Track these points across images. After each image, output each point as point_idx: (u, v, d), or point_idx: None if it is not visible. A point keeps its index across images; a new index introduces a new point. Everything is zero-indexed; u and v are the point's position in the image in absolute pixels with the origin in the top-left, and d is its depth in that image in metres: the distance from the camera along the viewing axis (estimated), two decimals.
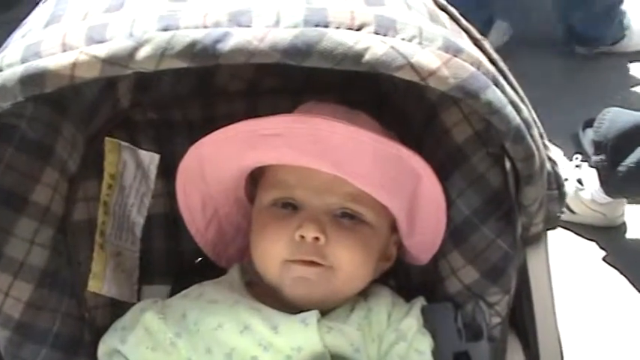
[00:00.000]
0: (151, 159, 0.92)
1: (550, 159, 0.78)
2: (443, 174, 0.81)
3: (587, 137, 1.73)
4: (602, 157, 1.59)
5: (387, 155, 0.79)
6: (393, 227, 0.86)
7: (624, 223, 1.74)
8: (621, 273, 1.63)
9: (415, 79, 0.65)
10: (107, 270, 0.86)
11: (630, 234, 1.73)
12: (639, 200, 1.64)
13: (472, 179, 0.80)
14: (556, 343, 0.82)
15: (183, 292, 0.85)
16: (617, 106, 1.65)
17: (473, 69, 0.67)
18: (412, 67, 0.64)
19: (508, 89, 0.71)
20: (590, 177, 1.67)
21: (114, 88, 0.88)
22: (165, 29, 0.63)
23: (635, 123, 1.57)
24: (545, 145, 0.77)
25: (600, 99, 1.99)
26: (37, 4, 0.75)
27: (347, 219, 0.82)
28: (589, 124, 1.75)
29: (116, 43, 0.63)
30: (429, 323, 0.81)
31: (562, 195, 0.80)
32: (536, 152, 0.73)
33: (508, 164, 0.78)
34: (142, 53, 0.62)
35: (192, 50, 0.62)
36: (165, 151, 0.93)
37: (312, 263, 0.80)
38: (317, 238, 0.79)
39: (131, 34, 0.63)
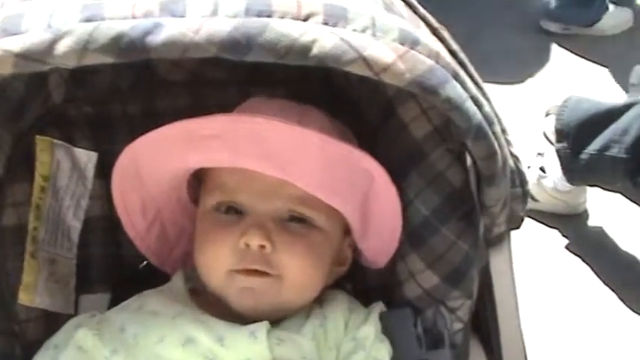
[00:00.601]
0: (88, 158, 0.86)
1: (513, 155, 0.75)
2: (400, 172, 0.77)
3: (550, 125, 1.72)
4: (565, 144, 1.59)
5: (336, 156, 0.74)
6: (347, 230, 0.82)
7: (586, 211, 1.75)
8: (583, 260, 1.65)
9: (368, 74, 0.60)
10: (40, 280, 0.81)
11: (592, 221, 1.74)
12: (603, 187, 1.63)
13: (431, 178, 0.76)
14: (520, 348, 0.79)
15: (122, 303, 0.80)
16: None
17: (431, 62, 0.62)
18: (364, 61, 0.60)
19: (469, 83, 0.67)
20: (553, 165, 1.66)
21: (45, 81, 0.82)
22: (89, 20, 0.57)
23: (597, 111, 1.57)
24: (507, 141, 0.73)
25: (569, 82, 1.98)
26: None
27: (295, 223, 0.77)
28: (551, 111, 1.73)
29: (32, 36, 0.57)
30: (388, 330, 0.77)
31: (525, 193, 0.77)
32: (498, 150, 0.69)
33: (469, 161, 0.74)
34: (62, 47, 0.56)
35: (118, 44, 0.57)
36: (104, 149, 0.87)
37: (258, 272, 0.75)
38: (263, 246, 0.74)
39: (49, 26, 0.57)
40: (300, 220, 0.77)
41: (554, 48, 2.25)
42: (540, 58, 2.21)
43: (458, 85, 0.64)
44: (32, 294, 0.79)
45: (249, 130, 0.72)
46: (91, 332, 0.75)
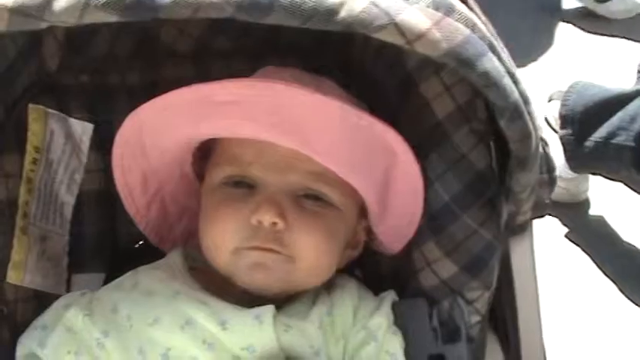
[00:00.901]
0: (83, 129, 0.82)
1: (541, 139, 0.70)
2: (421, 154, 0.72)
3: (553, 110, 1.68)
4: (569, 131, 1.55)
5: (357, 129, 0.69)
6: (362, 211, 0.77)
7: (588, 199, 1.71)
8: (584, 250, 1.62)
9: (400, 42, 0.55)
10: (30, 258, 0.76)
11: (594, 210, 1.71)
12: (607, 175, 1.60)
13: (453, 160, 0.72)
14: (539, 346, 0.75)
15: (115, 281, 0.76)
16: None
17: (468, 31, 0.58)
18: (397, 27, 0.55)
19: (505, 57, 0.62)
20: (556, 151, 1.62)
21: (39, 46, 0.77)
22: None
23: (604, 97, 1.53)
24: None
25: (572, 68, 1.94)
26: None
27: (310, 201, 0.72)
28: (555, 96, 1.70)
29: None
30: (401, 321, 0.73)
31: (553, 180, 0.73)
32: (533, 132, 0.64)
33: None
34: (61, 3, 0.52)
35: (123, 1, 0.51)
36: (101, 120, 0.82)
37: (270, 249, 0.70)
38: (275, 223, 0.69)
39: None
40: (315, 197, 0.72)
41: (559, 32, 2.21)
42: (543, 42, 2.17)
43: (495, 59, 0.60)
44: (22, 272, 0.75)
45: (267, 96, 0.67)
46: (82, 312, 0.71)
